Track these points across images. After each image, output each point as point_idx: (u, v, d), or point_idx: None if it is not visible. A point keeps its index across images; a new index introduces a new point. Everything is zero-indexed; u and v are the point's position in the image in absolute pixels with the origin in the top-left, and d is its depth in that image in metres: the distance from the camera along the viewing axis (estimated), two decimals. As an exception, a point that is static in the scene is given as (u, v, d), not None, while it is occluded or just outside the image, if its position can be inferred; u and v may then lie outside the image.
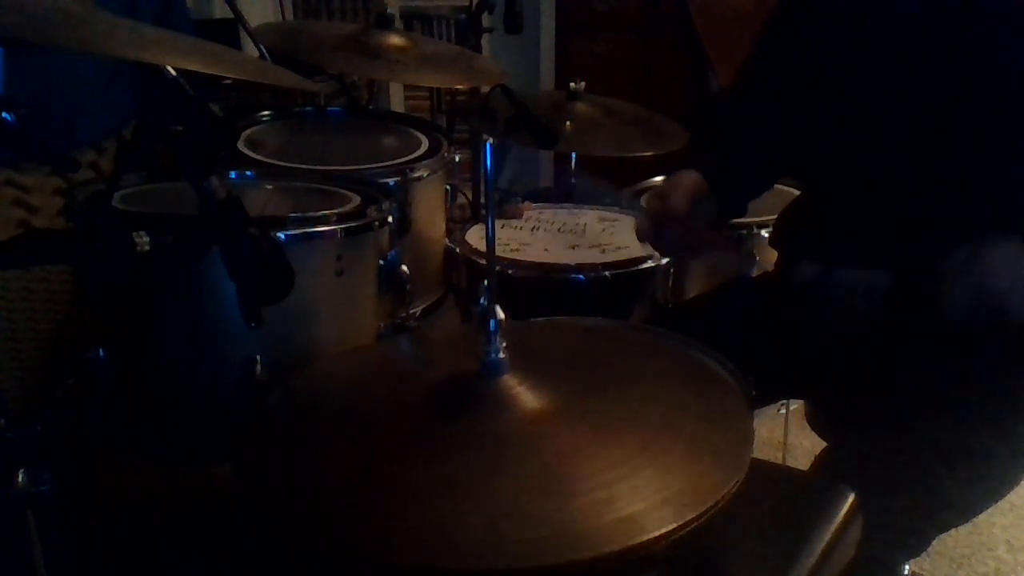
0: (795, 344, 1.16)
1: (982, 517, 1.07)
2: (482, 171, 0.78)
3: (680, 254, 1.24)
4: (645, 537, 0.60)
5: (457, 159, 1.51)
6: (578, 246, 1.49)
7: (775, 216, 1.36)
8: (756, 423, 0.77)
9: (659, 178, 1.78)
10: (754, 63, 1.28)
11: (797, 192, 1.39)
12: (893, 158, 1.09)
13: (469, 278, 1.45)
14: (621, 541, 0.60)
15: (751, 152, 1.26)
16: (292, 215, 1.03)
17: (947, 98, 1.03)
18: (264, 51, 1.43)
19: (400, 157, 1.43)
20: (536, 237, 1.53)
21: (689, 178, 1.18)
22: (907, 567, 1.05)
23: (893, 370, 1.09)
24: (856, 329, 1.12)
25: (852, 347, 1.12)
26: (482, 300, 0.77)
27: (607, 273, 1.34)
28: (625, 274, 1.37)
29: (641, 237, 1.26)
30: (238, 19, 1.49)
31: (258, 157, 1.36)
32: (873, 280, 1.03)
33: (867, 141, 1.11)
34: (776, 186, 1.78)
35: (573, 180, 1.93)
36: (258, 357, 0.99)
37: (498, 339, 0.77)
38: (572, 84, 1.84)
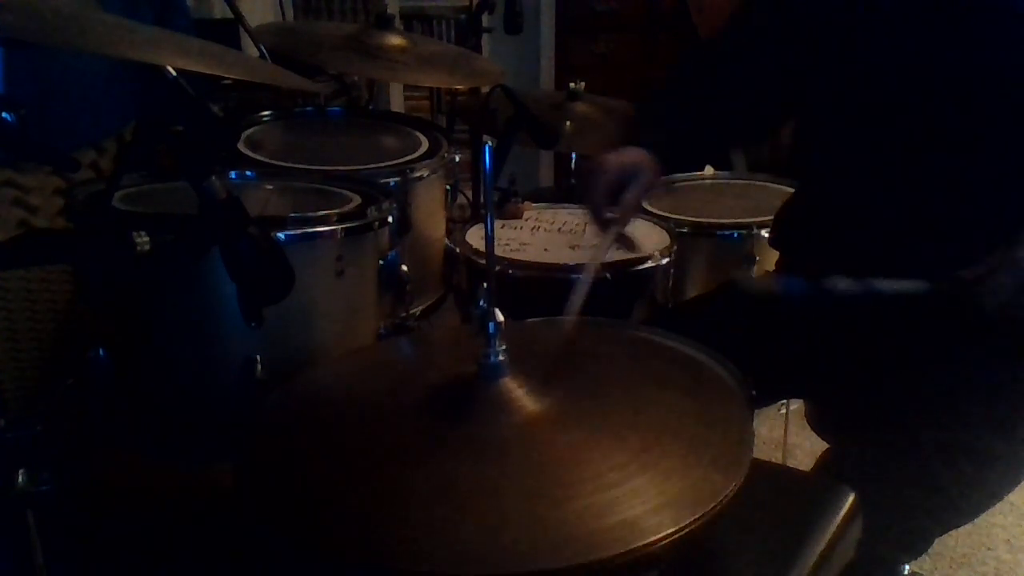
0: (795, 344, 1.16)
1: (982, 517, 1.07)
2: (482, 171, 0.78)
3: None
4: (644, 541, 0.60)
5: (457, 159, 1.51)
6: (578, 246, 1.49)
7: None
8: (756, 423, 0.77)
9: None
10: (739, 22, 1.24)
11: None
12: (886, 156, 1.08)
13: (469, 278, 1.45)
14: (620, 545, 0.60)
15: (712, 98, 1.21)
16: (292, 215, 1.03)
17: (942, 92, 1.02)
18: (264, 51, 1.43)
19: (400, 157, 1.42)
20: (536, 237, 1.53)
21: (626, 156, 1.15)
22: (907, 567, 1.05)
23: (893, 370, 1.09)
24: (852, 336, 1.11)
25: (850, 350, 1.12)
26: (481, 302, 0.77)
27: (607, 273, 1.34)
28: (625, 274, 1.36)
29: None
30: (238, 19, 1.49)
31: (258, 157, 1.36)
32: (862, 289, 1.03)
33: (859, 140, 1.11)
34: (776, 186, 1.79)
35: (573, 180, 1.94)
36: (258, 357, 1.00)
37: (498, 342, 0.77)
38: (572, 84, 1.85)
